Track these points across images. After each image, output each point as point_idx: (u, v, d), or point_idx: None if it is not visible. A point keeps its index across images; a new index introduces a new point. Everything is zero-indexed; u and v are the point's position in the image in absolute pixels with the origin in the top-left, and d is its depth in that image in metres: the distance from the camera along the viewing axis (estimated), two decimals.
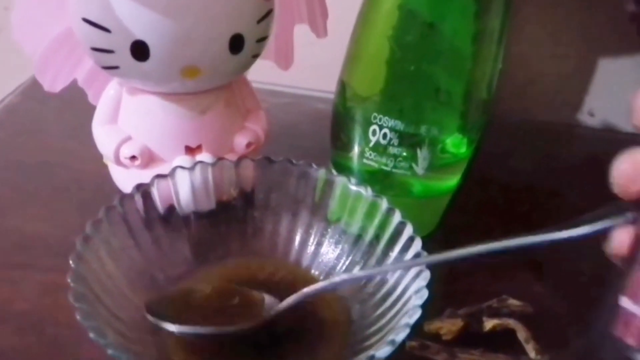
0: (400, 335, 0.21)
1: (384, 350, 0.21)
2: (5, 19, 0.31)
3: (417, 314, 0.21)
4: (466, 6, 0.28)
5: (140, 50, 0.27)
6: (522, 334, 0.26)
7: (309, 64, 0.39)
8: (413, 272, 0.24)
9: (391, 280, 0.25)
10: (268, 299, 0.25)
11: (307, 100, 0.46)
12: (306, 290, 0.25)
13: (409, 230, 0.26)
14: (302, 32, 0.34)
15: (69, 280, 0.22)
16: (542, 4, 0.45)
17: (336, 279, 0.25)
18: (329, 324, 0.26)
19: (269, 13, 0.30)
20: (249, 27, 0.29)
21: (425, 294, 0.22)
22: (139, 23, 0.27)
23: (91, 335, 0.20)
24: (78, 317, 0.21)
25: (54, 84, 0.32)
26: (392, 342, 0.21)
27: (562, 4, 0.44)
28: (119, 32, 0.27)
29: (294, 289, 0.25)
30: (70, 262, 0.23)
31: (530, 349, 0.26)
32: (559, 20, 0.45)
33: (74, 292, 0.21)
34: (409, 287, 0.24)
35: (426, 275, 0.23)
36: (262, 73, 0.33)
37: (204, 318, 0.24)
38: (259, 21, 0.29)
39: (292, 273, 0.28)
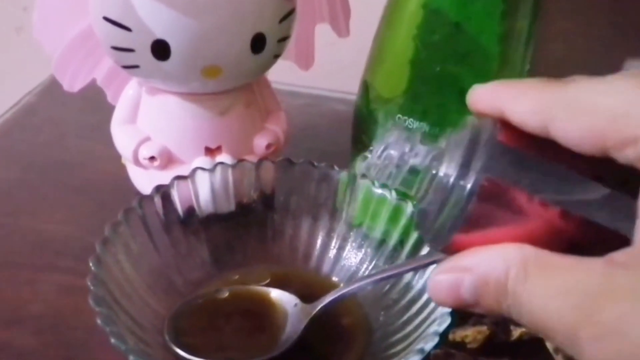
0: (430, 344, 0.20)
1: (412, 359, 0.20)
2: (24, 19, 0.30)
3: (447, 322, 0.21)
4: (493, 5, 0.27)
5: (161, 50, 0.27)
6: (551, 343, 0.25)
7: (329, 64, 0.38)
8: None
9: (417, 286, 0.24)
10: (289, 326, 0.24)
11: (326, 101, 0.45)
12: (328, 298, 0.24)
13: None
14: (321, 32, 0.34)
15: (88, 283, 0.21)
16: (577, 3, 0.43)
17: (358, 283, 0.24)
18: (349, 331, 0.25)
19: (290, 13, 0.29)
20: (271, 26, 0.28)
21: None
22: (160, 22, 0.26)
23: (112, 340, 0.20)
24: (99, 321, 0.20)
25: (73, 83, 0.32)
26: (422, 350, 0.20)
27: (595, 6, 0.43)
28: (139, 31, 0.27)
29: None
30: (90, 265, 0.22)
31: (560, 359, 0.25)
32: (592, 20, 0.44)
33: (94, 296, 0.21)
34: None
35: None
36: (280, 73, 0.33)
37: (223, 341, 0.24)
38: (280, 21, 0.29)
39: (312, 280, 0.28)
